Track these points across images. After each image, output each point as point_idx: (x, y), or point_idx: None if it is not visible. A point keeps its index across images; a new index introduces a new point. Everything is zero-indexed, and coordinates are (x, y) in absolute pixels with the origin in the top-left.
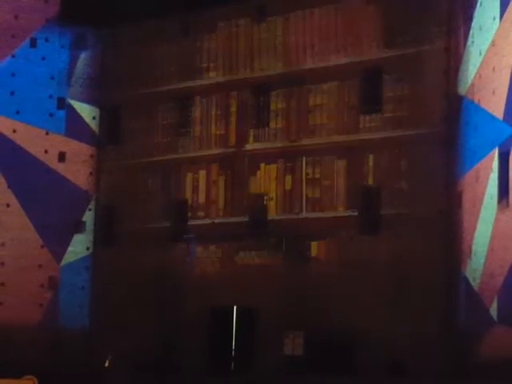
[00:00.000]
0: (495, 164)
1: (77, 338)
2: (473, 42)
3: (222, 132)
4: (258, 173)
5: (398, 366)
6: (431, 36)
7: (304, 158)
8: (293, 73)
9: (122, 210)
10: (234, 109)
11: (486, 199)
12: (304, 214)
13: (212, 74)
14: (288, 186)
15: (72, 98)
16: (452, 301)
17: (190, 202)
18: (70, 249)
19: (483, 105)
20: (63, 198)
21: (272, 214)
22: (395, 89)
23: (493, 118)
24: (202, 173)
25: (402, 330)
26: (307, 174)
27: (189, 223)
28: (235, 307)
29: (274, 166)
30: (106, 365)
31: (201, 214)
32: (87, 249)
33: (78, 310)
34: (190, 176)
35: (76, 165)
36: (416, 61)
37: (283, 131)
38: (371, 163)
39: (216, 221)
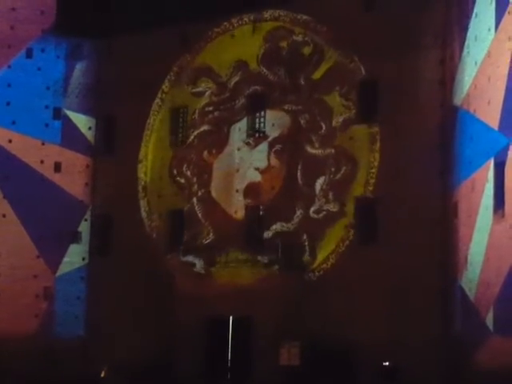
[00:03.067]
0: (491, 174)
1: (72, 348)
2: (468, 52)
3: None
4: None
5: (395, 376)
6: (427, 47)
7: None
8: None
9: (117, 221)
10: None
11: (482, 209)
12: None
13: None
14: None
15: (68, 109)
16: (448, 310)
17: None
18: (65, 259)
19: (479, 115)
20: (59, 208)
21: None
22: (391, 99)
23: (488, 128)
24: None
25: (398, 340)
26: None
27: (185, 232)
28: (231, 317)
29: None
30: (102, 375)
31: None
32: (83, 259)
33: (73, 320)
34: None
35: (72, 175)
36: (412, 71)
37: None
38: (368, 173)
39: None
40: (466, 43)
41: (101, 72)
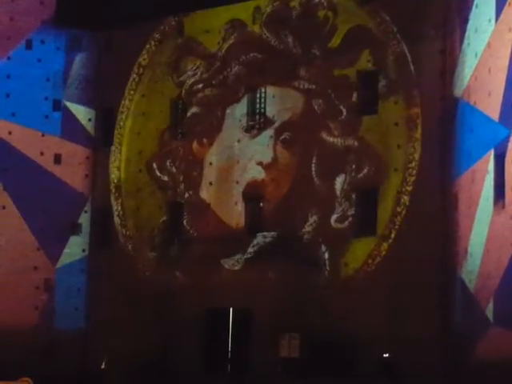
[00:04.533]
0: (491, 165)
1: (73, 340)
2: (468, 43)
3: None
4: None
5: (394, 368)
6: (427, 38)
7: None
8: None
9: (117, 212)
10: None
11: (482, 201)
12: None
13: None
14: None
15: (68, 100)
16: (448, 302)
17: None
18: (65, 251)
19: (479, 106)
20: (59, 200)
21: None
22: (391, 90)
23: (488, 119)
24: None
25: (398, 332)
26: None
27: (185, 224)
28: (231, 309)
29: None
30: (103, 367)
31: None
32: (83, 251)
33: (73, 312)
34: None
35: (72, 167)
36: (412, 63)
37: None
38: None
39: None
40: (467, 34)
41: (101, 64)
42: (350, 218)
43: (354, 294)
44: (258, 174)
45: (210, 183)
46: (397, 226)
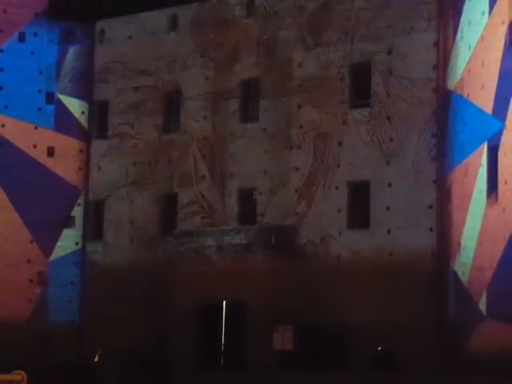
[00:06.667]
0: (484, 158)
1: (66, 333)
2: (462, 36)
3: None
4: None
5: (388, 360)
6: (421, 31)
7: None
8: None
9: (110, 205)
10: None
11: (475, 194)
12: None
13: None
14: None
15: (61, 93)
16: (441, 295)
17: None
18: (58, 244)
19: (472, 99)
20: (52, 192)
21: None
22: (384, 83)
23: (482, 112)
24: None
25: (391, 324)
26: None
27: (178, 217)
28: (225, 302)
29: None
30: (96, 359)
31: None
32: (76, 244)
33: (67, 305)
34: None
35: (65, 160)
36: (405, 55)
37: (272, 126)
38: (360, 157)
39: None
40: (460, 27)
41: (94, 56)
42: (344, 211)
43: (348, 286)
44: (252, 166)
45: (204, 176)
46: (390, 219)
